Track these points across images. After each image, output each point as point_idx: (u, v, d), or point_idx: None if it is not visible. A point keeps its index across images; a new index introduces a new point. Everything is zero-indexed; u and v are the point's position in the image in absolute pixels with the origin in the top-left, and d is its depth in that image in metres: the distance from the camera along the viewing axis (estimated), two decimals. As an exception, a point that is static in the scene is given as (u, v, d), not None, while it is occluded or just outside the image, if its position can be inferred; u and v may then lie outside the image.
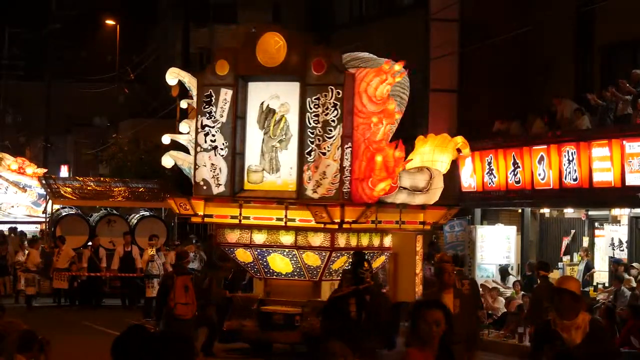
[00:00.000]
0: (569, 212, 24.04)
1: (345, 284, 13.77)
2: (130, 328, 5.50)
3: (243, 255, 18.34)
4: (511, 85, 26.44)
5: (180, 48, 38.56)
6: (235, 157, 17.86)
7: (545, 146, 22.00)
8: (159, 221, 29.71)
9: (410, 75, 18.35)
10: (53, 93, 48.50)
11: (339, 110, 17.02)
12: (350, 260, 16.07)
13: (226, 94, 17.81)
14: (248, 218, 17.80)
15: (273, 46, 17.57)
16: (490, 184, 23.99)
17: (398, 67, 17.22)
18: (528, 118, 24.10)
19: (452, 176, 25.43)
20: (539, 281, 17.73)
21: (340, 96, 17.01)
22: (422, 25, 27.36)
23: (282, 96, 17.83)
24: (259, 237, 17.96)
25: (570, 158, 21.19)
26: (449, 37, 26.23)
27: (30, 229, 34.28)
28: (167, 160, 18.91)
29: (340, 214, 16.83)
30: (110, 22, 46.32)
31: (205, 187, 17.94)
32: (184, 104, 19.10)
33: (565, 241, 23.82)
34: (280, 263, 18.02)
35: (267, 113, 17.95)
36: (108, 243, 28.51)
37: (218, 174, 17.85)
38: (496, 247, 24.20)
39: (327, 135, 17.08)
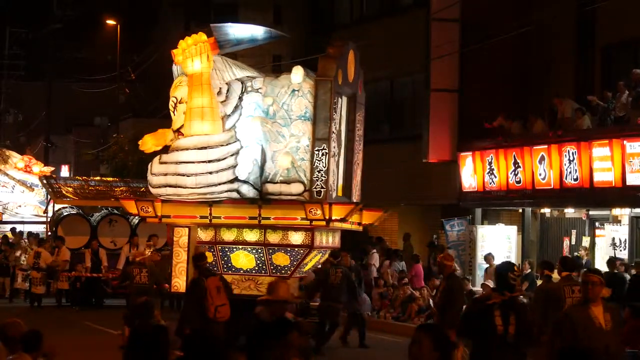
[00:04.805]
0: (569, 212, 24.06)
1: (493, 293, 10.85)
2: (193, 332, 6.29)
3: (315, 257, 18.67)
4: (511, 85, 26.47)
5: (181, 48, 38.53)
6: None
7: (546, 146, 22.05)
8: (161, 221, 29.66)
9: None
10: (53, 93, 48.47)
11: (362, 128, 18.58)
12: None
13: (341, 103, 18.02)
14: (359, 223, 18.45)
15: (352, 62, 18.10)
16: (490, 183, 24.03)
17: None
18: (529, 119, 24.13)
19: (452, 176, 25.56)
20: (540, 281, 17.74)
21: (363, 116, 18.45)
22: (422, 25, 27.37)
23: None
24: (330, 239, 18.65)
25: (571, 158, 21.24)
26: (449, 37, 26.21)
27: (39, 229, 34.17)
28: (286, 160, 17.44)
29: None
30: (110, 22, 46.23)
31: (331, 192, 17.82)
32: (269, 100, 17.71)
33: (566, 241, 23.85)
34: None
35: None
36: (109, 243, 28.51)
37: (335, 180, 18.01)
38: (497, 247, 24.24)
39: (359, 149, 18.52)
